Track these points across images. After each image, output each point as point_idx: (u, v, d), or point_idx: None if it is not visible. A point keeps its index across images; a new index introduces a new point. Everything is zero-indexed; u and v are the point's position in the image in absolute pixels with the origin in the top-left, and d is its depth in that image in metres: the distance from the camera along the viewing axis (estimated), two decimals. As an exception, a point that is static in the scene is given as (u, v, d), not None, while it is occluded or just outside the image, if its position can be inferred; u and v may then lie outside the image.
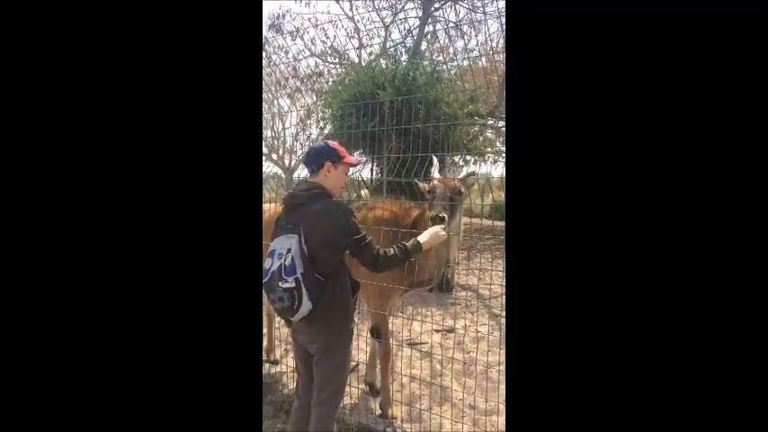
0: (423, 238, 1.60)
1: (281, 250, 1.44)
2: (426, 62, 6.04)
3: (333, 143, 1.56)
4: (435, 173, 2.03)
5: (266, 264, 1.46)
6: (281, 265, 1.42)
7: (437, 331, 3.18)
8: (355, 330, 1.60)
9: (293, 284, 1.40)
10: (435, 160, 2.06)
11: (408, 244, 1.57)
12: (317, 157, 1.52)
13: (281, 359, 2.85)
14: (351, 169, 1.66)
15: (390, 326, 2.32)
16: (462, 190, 1.96)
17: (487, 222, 7.01)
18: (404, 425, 2.10)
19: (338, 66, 8.28)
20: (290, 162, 11.42)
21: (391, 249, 1.51)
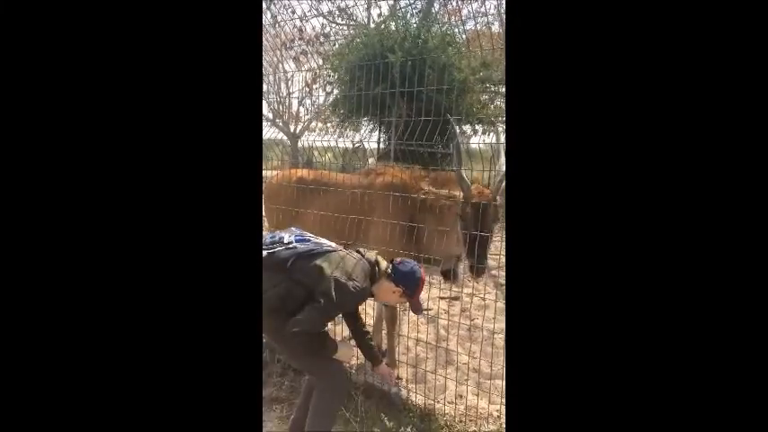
0: (339, 351, 1.62)
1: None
2: (438, 25, 5.80)
3: (422, 280, 1.60)
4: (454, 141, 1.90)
5: (277, 234, 1.64)
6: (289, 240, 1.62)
7: (442, 298, 3.21)
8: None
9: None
10: (456, 129, 1.95)
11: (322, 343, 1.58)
12: (405, 277, 1.58)
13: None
14: (357, 136, 1.67)
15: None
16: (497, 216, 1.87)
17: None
18: (408, 385, 2.16)
19: (346, 27, 7.99)
20: (296, 128, 11.24)
21: (304, 336, 1.49)
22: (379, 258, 1.66)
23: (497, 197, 1.89)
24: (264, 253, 1.59)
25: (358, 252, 1.66)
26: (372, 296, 1.63)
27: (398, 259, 1.65)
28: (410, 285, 1.58)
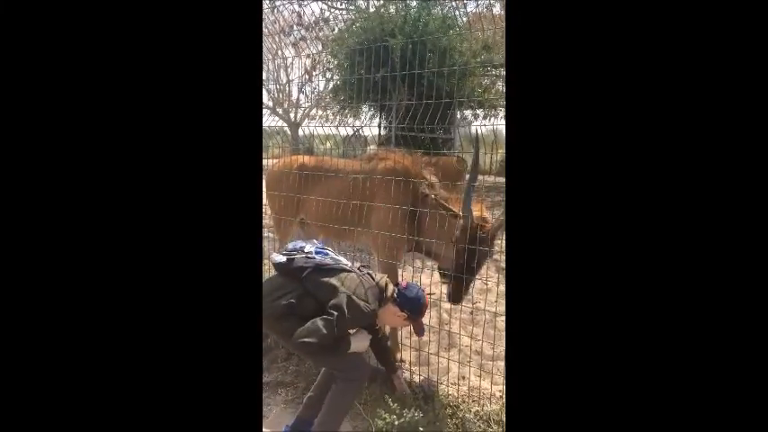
0: (353, 344, 1.63)
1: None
2: (438, 8, 5.71)
3: (425, 305, 1.66)
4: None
5: (299, 243, 1.74)
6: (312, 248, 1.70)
7: (444, 283, 3.23)
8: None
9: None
10: (458, 116, 1.95)
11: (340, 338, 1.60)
12: (406, 304, 1.62)
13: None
14: (357, 123, 1.67)
15: (399, 277, 2.35)
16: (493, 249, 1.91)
17: (500, 180, 6.92)
18: (412, 368, 2.18)
19: (345, 12, 7.87)
20: (296, 116, 11.17)
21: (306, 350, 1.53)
22: (388, 282, 1.72)
23: (497, 233, 1.90)
24: (284, 259, 1.66)
25: (370, 276, 1.71)
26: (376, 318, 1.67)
27: (404, 283, 1.70)
28: (414, 310, 1.64)
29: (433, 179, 2.22)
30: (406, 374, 2.12)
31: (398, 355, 2.29)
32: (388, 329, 2.29)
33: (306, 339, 1.46)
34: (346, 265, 1.70)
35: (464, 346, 2.41)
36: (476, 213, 1.87)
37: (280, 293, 1.58)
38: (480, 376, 2.08)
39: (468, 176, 1.90)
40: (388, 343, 1.86)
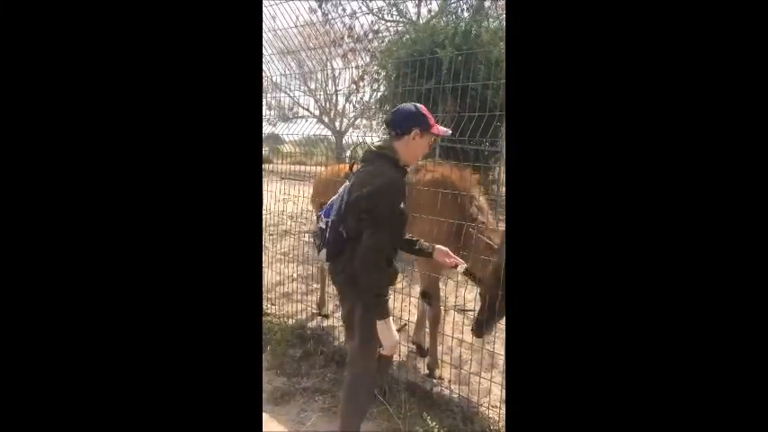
0: (435, 254, 1.55)
1: (337, 195, 1.49)
2: (491, 20, 5.65)
3: (422, 108, 1.41)
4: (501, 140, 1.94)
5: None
6: (330, 204, 1.48)
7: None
8: (398, 298, 1.55)
9: (324, 226, 1.46)
10: (504, 128, 1.96)
11: (418, 246, 1.55)
12: (405, 122, 1.39)
13: (332, 313, 2.95)
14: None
15: (441, 291, 2.31)
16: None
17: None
18: (451, 386, 2.12)
19: (396, 23, 7.98)
20: (341, 125, 11.40)
21: (383, 268, 1.32)
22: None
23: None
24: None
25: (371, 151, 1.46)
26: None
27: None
28: (415, 120, 1.39)
29: (481, 198, 2.17)
30: (446, 392, 2.07)
31: (438, 372, 2.24)
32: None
33: (368, 258, 1.30)
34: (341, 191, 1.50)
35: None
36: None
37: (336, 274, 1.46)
38: (523, 401, 1.98)
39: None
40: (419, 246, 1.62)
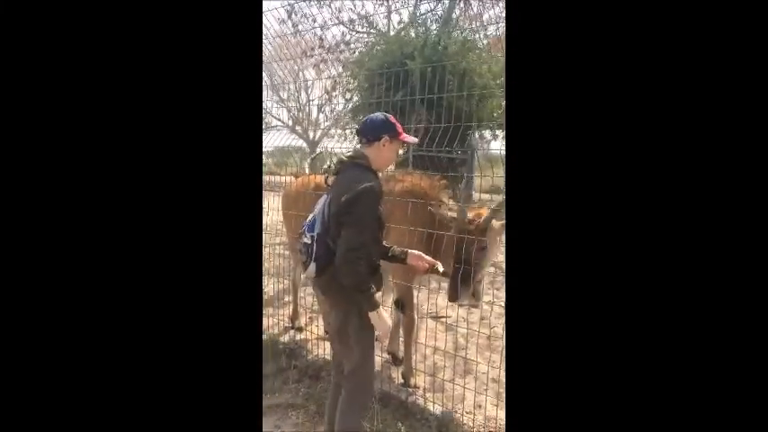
0: (409, 258, 1.56)
1: (317, 207, 1.50)
2: (458, 31, 5.80)
3: (391, 117, 1.49)
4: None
5: (308, 218, 1.53)
6: (311, 220, 1.49)
7: (461, 306, 3.17)
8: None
9: (309, 241, 1.46)
10: (476, 137, 2.07)
11: (391, 253, 1.54)
12: (375, 130, 1.46)
13: (306, 327, 2.91)
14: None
15: (415, 299, 2.31)
16: (485, 245, 1.94)
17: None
18: (426, 394, 2.12)
19: (366, 35, 8.06)
20: (315, 135, 11.37)
21: (362, 264, 1.34)
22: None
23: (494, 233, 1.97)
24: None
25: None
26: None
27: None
28: (384, 128, 1.45)
29: (450, 202, 2.21)
30: (420, 401, 2.06)
31: (412, 381, 2.24)
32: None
33: (347, 259, 1.32)
34: (318, 206, 1.52)
35: (481, 372, 2.34)
36: (473, 213, 1.99)
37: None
38: (497, 405, 2.00)
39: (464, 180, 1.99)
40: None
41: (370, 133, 1.47)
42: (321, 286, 1.51)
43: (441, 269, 1.65)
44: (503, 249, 2.14)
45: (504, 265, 4.04)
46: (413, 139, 1.56)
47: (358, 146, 1.54)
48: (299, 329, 2.89)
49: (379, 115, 1.50)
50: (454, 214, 2.04)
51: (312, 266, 1.45)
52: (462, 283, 1.92)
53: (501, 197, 2.11)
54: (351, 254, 1.33)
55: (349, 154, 1.52)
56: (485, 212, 2.01)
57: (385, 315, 1.42)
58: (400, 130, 1.49)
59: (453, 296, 1.95)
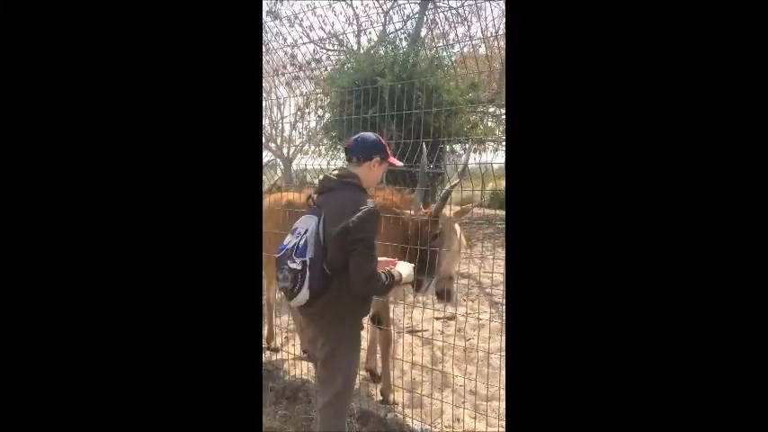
0: (403, 272, 1.48)
1: (302, 229, 1.39)
2: (426, 49, 5.96)
3: (382, 138, 1.49)
4: (424, 160, 2.09)
5: (285, 240, 1.43)
6: (296, 243, 1.37)
7: (437, 319, 3.19)
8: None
9: (299, 267, 1.34)
10: (424, 148, 2.11)
11: (393, 273, 1.45)
12: (367, 150, 1.45)
13: (282, 347, 2.86)
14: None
15: (391, 313, 2.32)
16: (437, 233, 2.00)
17: (489, 212, 7.00)
18: (405, 410, 2.11)
19: (337, 53, 8.17)
20: (289, 151, 11.32)
21: (383, 275, 1.36)
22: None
23: (450, 216, 2.04)
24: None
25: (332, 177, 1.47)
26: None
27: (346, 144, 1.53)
28: (375, 148, 1.46)
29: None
30: (400, 417, 2.05)
31: (391, 397, 2.22)
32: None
33: (363, 283, 1.30)
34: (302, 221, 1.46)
35: (458, 385, 2.35)
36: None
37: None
38: (475, 418, 2.01)
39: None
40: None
41: (361, 152, 1.45)
42: (311, 314, 1.42)
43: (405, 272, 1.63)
44: (464, 242, 2.23)
45: (478, 277, 4.10)
46: (399, 163, 1.58)
47: (345, 164, 1.52)
48: (275, 350, 2.83)
49: (370, 135, 1.49)
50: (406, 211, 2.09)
51: (305, 293, 1.34)
52: (427, 273, 1.93)
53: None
54: (370, 283, 1.31)
55: (336, 172, 1.48)
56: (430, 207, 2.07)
57: (406, 267, 1.48)
58: (389, 151, 1.51)
59: (417, 285, 1.93)
